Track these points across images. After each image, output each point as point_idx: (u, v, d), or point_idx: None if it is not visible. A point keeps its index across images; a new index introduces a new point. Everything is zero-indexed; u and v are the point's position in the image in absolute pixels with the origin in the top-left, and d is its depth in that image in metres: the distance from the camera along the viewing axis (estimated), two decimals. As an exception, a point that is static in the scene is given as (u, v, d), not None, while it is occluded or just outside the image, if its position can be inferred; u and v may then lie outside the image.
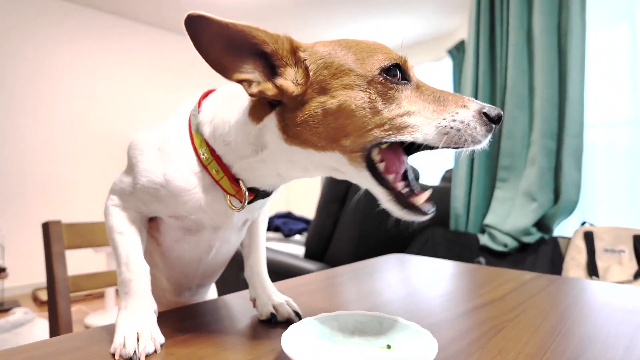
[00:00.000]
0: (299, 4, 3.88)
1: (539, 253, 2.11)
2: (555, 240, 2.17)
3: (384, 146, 0.50)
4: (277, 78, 0.50)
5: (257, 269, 0.70)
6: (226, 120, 0.56)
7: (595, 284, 0.95)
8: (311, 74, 0.50)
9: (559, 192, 2.22)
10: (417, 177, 2.29)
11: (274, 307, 0.65)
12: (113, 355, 0.50)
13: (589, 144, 2.49)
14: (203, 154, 0.57)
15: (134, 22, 4.30)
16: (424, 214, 0.50)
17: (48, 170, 3.72)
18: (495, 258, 2.16)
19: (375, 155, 0.50)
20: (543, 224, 2.24)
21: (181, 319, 0.65)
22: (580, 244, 2.04)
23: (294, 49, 0.51)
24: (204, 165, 0.57)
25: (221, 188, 0.57)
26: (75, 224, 1.02)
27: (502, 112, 0.49)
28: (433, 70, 4.63)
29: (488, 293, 0.83)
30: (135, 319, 0.54)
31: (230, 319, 0.68)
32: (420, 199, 0.50)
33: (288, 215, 3.12)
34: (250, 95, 0.51)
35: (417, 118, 0.48)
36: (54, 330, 0.92)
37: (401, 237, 2.21)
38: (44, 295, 3.33)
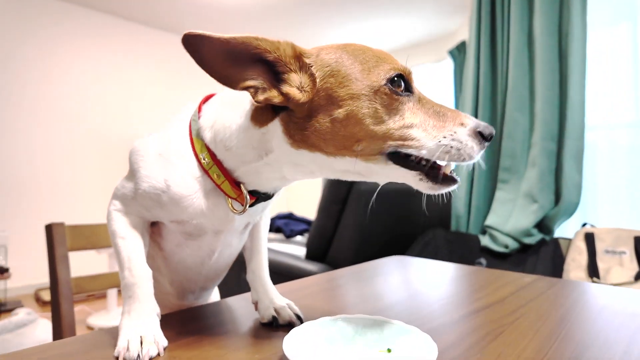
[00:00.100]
0: (299, 4, 3.88)
1: (540, 254, 2.12)
2: (556, 242, 2.17)
3: None
4: (283, 85, 0.50)
5: (259, 272, 0.71)
6: (227, 125, 0.56)
7: (594, 286, 0.95)
8: (317, 80, 0.50)
9: (559, 193, 2.22)
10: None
11: (275, 310, 0.66)
12: (117, 358, 0.51)
13: (590, 145, 2.49)
14: (204, 159, 0.57)
15: (134, 23, 4.31)
16: (455, 181, 0.52)
17: (49, 170, 3.74)
18: (496, 259, 2.16)
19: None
20: (544, 225, 2.25)
21: (184, 322, 0.65)
22: (581, 245, 2.04)
23: (298, 55, 0.51)
24: (205, 170, 0.57)
25: (222, 192, 0.58)
26: (79, 226, 1.02)
27: (494, 131, 0.52)
28: (434, 72, 4.59)
29: (488, 296, 0.84)
30: (138, 322, 0.54)
31: (232, 322, 0.68)
32: (447, 169, 0.52)
33: (289, 216, 3.12)
34: (257, 102, 0.51)
35: (419, 131, 0.50)
36: (57, 332, 0.93)
37: (403, 238, 2.22)
38: (46, 296, 3.34)
